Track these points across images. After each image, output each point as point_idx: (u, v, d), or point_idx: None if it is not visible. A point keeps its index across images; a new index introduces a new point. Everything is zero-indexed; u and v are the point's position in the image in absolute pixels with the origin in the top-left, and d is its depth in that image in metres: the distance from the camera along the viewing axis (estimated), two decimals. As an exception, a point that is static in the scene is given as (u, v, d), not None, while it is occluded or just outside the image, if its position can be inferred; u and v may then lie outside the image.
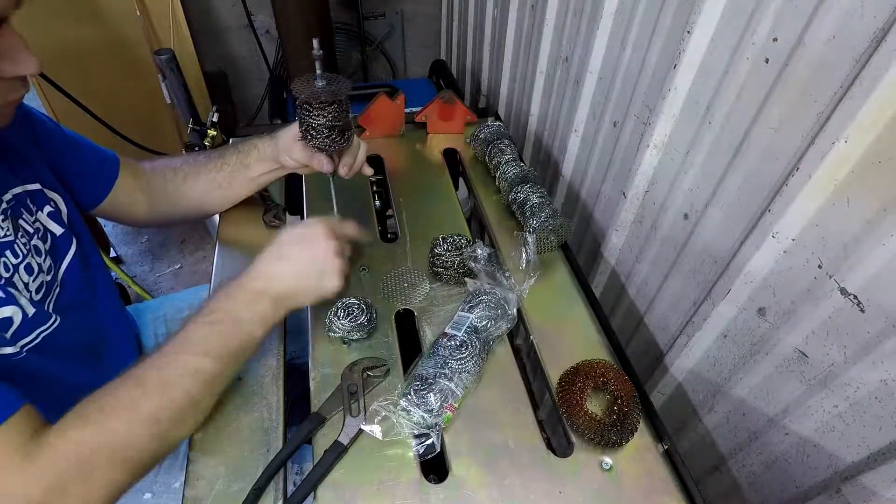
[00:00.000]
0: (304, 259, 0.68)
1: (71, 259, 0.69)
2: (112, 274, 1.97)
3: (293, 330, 0.79)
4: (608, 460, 0.64)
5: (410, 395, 0.66)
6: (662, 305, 0.89)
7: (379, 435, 0.64)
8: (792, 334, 0.63)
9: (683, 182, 0.78)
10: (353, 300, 0.75)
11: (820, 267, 0.57)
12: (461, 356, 0.69)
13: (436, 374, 0.67)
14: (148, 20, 1.94)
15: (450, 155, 1.15)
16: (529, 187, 0.93)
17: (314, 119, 0.73)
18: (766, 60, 0.60)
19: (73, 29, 1.86)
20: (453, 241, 0.83)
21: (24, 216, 0.63)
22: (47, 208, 0.67)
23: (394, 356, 0.74)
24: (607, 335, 0.79)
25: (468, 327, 0.72)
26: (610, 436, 0.64)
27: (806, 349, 0.61)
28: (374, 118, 1.16)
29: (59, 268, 0.67)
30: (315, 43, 0.69)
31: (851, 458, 0.58)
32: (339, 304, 0.75)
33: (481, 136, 1.08)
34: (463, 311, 0.76)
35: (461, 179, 1.16)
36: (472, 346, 0.70)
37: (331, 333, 0.74)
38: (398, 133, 1.19)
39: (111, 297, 0.80)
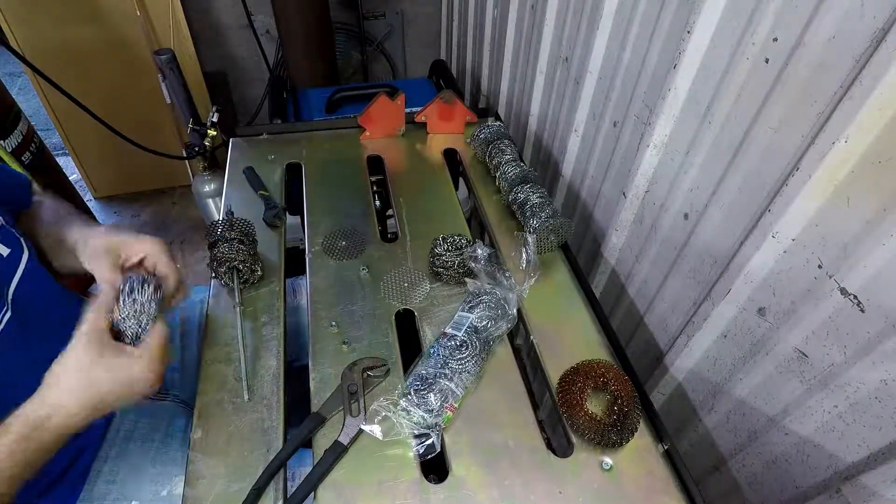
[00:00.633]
0: (115, 391, 0.55)
1: (20, 279, 0.64)
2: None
3: (292, 331, 0.79)
4: (608, 460, 0.64)
5: (410, 395, 0.66)
6: (662, 305, 0.89)
7: (379, 435, 0.64)
8: (792, 334, 0.63)
9: (683, 182, 0.78)
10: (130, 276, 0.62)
11: (820, 267, 0.57)
12: (461, 356, 0.69)
13: (436, 374, 0.67)
14: (148, 20, 1.94)
15: (450, 155, 1.15)
16: (529, 187, 0.93)
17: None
18: (766, 60, 0.60)
19: (73, 29, 1.86)
20: (453, 241, 0.83)
21: None
22: None
23: (394, 356, 0.74)
24: (607, 335, 0.79)
25: (468, 327, 0.72)
26: (610, 436, 0.64)
27: (806, 349, 0.61)
28: (374, 118, 1.16)
29: (8, 291, 0.63)
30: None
31: (851, 458, 0.58)
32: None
33: (481, 136, 1.08)
34: (463, 311, 0.76)
35: (461, 179, 1.16)
36: (472, 346, 0.70)
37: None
38: (398, 133, 1.19)
39: (69, 314, 0.68)
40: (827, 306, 0.57)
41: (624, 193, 0.92)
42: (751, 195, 0.65)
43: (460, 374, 0.67)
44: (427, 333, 0.77)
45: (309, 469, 0.61)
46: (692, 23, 0.68)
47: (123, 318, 0.59)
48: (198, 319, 0.95)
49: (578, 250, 1.16)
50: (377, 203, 1.16)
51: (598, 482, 0.62)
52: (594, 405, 0.69)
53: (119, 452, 0.75)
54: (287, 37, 2.04)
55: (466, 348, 0.70)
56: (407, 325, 0.80)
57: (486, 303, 0.75)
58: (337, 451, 0.62)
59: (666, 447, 0.65)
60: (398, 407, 0.66)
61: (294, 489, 0.59)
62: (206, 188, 1.76)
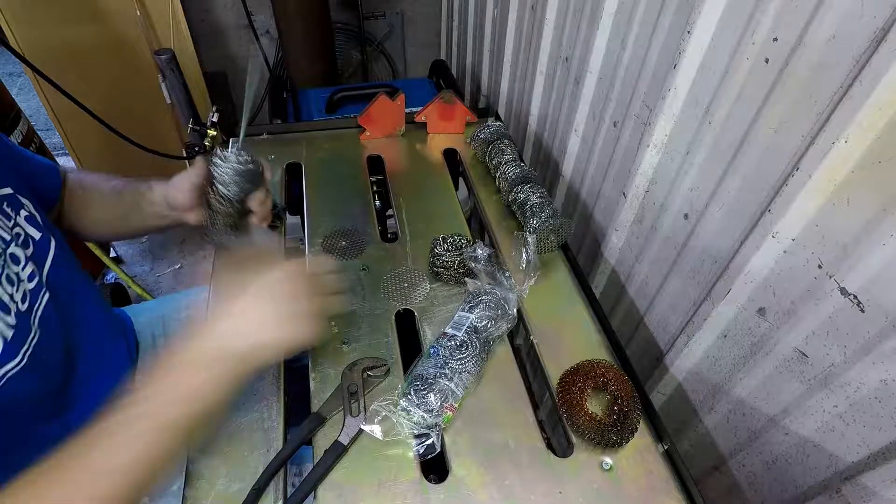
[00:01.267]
0: (263, 311, 0.56)
1: (52, 262, 0.67)
2: (112, 274, 1.97)
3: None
4: (608, 460, 0.64)
5: (410, 395, 0.66)
6: (662, 305, 0.89)
7: (379, 435, 0.64)
8: (792, 334, 0.63)
9: (683, 182, 0.78)
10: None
11: (820, 267, 0.57)
12: (461, 356, 0.69)
13: (436, 374, 0.67)
14: (148, 20, 1.94)
15: (450, 155, 1.15)
16: (529, 187, 0.93)
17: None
18: (766, 60, 0.60)
19: (73, 29, 1.86)
20: (453, 241, 0.83)
21: (2, 222, 0.61)
22: (23, 212, 0.65)
23: (394, 356, 0.74)
24: (607, 335, 0.79)
25: (468, 327, 0.72)
26: (610, 436, 0.64)
27: (806, 349, 0.61)
28: (374, 118, 1.16)
29: (43, 273, 0.65)
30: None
31: (851, 458, 0.58)
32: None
33: (481, 136, 1.08)
34: (463, 311, 0.76)
35: (461, 179, 1.16)
36: (472, 346, 0.70)
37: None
38: (398, 133, 1.19)
39: (92, 297, 0.78)
40: (827, 306, 0.57)
41: (624, 193, 0.92)
42: (751, 195, 0.65)
43: (460, 374, 0.67)
44: (427, 333, 0.77)
45: (309, 469, 0.61)
46: (692, 23, 0.68)
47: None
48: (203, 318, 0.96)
49: (578, 250, 1.16)
50: (377, 203, 1.16)
51: (598, 482, 0.62)
52: (594, 405, 0.69)
53: None
54: (287, 37, 2.04)
55: (466, 348, 0.70)
56: (407, 325, 0.80)
57: (486, 303, 0.75)
58: (337, 451, 0.62)
59: (666, 447, 0.65)
60: (398, 407, 0.66)
61: (294, 489, 0.59)
62: (206, 188, 1.75)
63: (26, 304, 0.60)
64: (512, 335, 0.79)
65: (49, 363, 0.63)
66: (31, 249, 0.64)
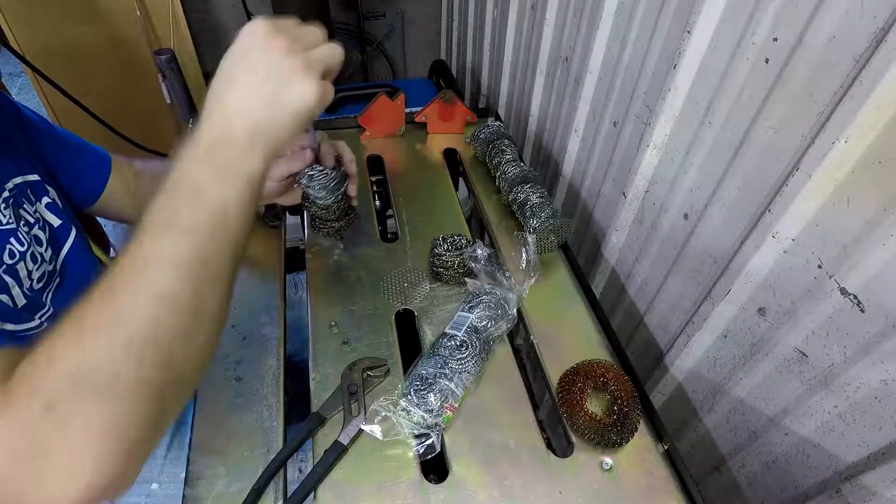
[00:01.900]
0: (256, 75, 0.48)
1: (69, 250, 0.69)
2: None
3: (293, 326, 0.79)
4: (608, 460, 0.64)
5: (410, 395, 0.66)
6: (662, 305, 0.89)
7: (379, 435, 0.64)
8: (792, 334, 0.63)
9: (683, 182, 0.78)
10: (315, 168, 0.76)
11: (820, 267, 0.57)
12: (461, 356, 0.69)
13: (436, 374, 0.67)
14: (148, 20, 1.94)
15: (450, 155, 1.15)
16: (529, 187, 0.93)
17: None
18: (766, 60, 0.60)
19: (73, 29, 1.86)
20: (453, 241, 0.83)
21: (25, 206, 0.63)
22: (45, 199, 0.67)
23: (394, 356, 0.74)
24: (607, 335, 0.79)
25: (468, 327, 0.72)
26: (610, 436, 0.64)
27: (806, 349, 0.61)
28: (374, 118, 1.16)
29: (59, 259, 0.68)
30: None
31: (851, 458, 0.58)
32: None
33: (481, 136, 1.08)
34: (463, 311, 0.76)
35: (461, 179, 1.16)
36: (472, 346, 0.70)
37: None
38: (398, 133, 1.19)
39: None
40: (827, 306, 0.57)
41: (624, 193, 0.92)
42: (751, 195, 0.65)
43: (460, 374, 0.67)
44: (427, 333, 0.77)
45: (309, 469, 0.61)
46: (692, 23, 0.68)
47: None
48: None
49: (578, 250, 1.16)
50: (377, 203, 1.16)
51: (598, 482, 0.62)
52: (594, 405, 0.69)
53: None
54: (287, 37, 2.04)
55: (466, 348, 0.70)
56: (407, 325, 0.80)
57: (486, 303, 0.75)
58: (337, 451, 0.62)
59: (666, 447, 0.65)
60: (398, 407, 0.66)
61: (294, 489, 0.59)
62: (206, 188, 1.75)
63: (41, 284, 0.62)
64: (512, 335, 0.79)
65: None
66: (48, 234, 0.66)
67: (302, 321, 0.80)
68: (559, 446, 0.68)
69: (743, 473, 0.75)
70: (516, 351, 0.77)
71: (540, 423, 0.68)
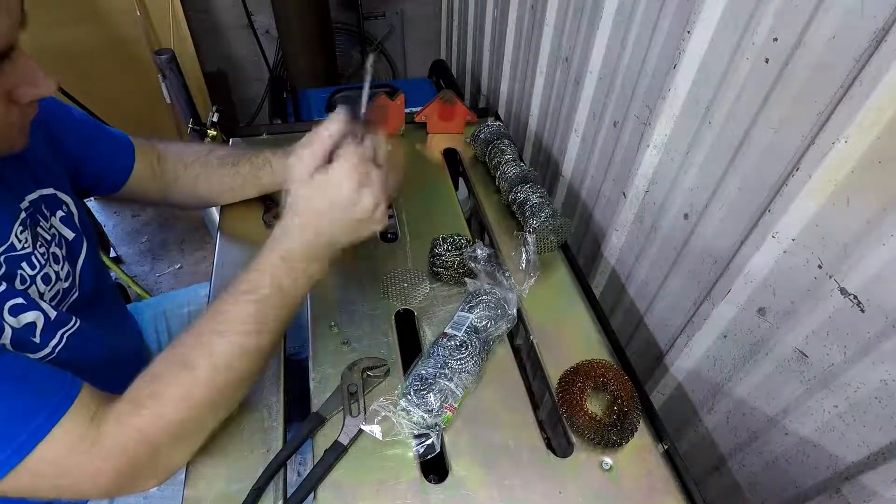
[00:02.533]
0: (338, 207, 0.60)
1: (83, 262, 0.69)
2: (111, 274, 1.97)
3: (294, 323, 0.79)
4: (608, 460, 0.64)
5: (410, 395, 0.66)
6: (662, 305, 0.89)
7: (379, 435, 0.64)
8: (792, 334, 0.63)
9: (683, 182, 0.78)
10: None
11: (820, 267, 0.57)
12: (461, 356, 0.69)
13: (436, 374, 0.67)
14: (148, 20, 1.94)
15: (450, 155, 1.15)
16: (529, 187, 0.93)
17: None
18: (766, 60, 0.60)
19: (73, 29, 1.86)
20: (453, 241, 0.83)
21: (41, 223, 0.63)
22: (59, 213, 0.67)
23: (394, 356, 0.74)
24: (607, 335, 0.79)
25: (468, 327, 0.72)
26: (610, 436, 0.64)
27: (806, 349, 0.61)
28: (374, 118, 1.16)
29: (76, 272, 0.67)
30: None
31: (851, 458, 0.58)
32: None
33: (481, 136, 1.08)
34: (463, 311, 0.76)
35: (461, 179, 1.16)
36: (472, 346, 0.70)
37: None
38: (398, 133, 1.19)
39: (115, 297, 0.81)
40: (827, 306, 0.57)
41: (624, 193, 0.92)
42: (751, 195, 0.65)
43: (460, 374, 0.67)
44: (427, 333, 0.77)
45: (309, 469, 0.61)
46: (692, 23, 0.68)
47: None
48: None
49: (578, 250, 1.16)
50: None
51: (598, 482, 0.62)
52: (594, 405, 0.69)
53: None
54: (287, 37, 2.04)
55: (466, 348, 0.70)
56: (407, 325, 0.80)
57: (485, 303, 0.75)
58: (337, 451, 0.62)
59: (666, 447, 0.65)
60: (398, 407, 0.66)
61: (294, 489, 0.59)
62: (206, 188, 1.75)
63: (55, 301, 0.62)
64: (512, 335, 0.79)
65: (87, 353, 0.65)
66: (64, 249, 0.66)
67: (302, 321, 0.80)
68: (559, 446, 0.68)
69: (743, 473, 0.75)
70: (516, 351, 0.77)
71: (540, 423, 0.68)
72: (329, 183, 0.59)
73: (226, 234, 0.92)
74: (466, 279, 0.79)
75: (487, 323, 0.73)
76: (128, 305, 0.98)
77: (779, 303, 0.64)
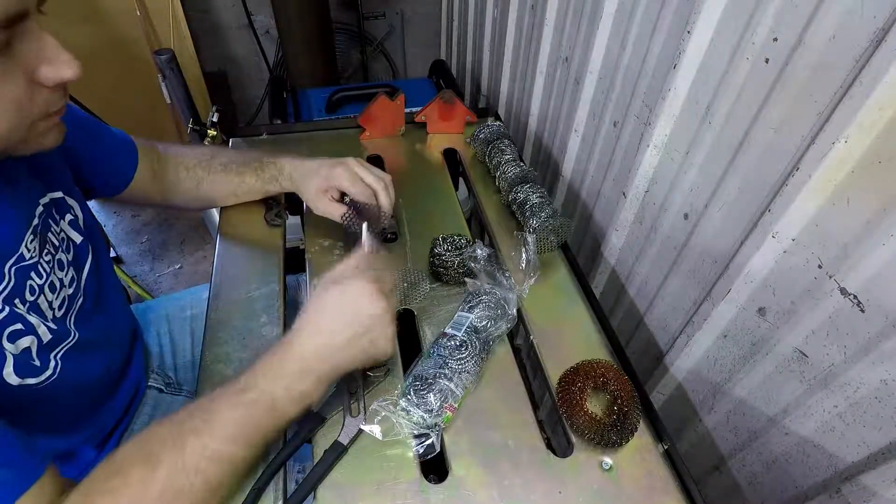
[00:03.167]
0: (353, 329, 0.60)
1: (89, 266, 0.68)
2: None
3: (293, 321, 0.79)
4: (608, 460, 0.64)
5: (410, 395, 0.66)
6: (662, 305, 0.89)
7: (379, 435, 0.64)
8: (792, 334, 0.63)
9: (683, 182, 0.78)
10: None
11: (820, 267, 0.57)
12: (461, 356, 0.69)
13: (436, 374, 0.67)
14: (148, 20, 1.94)
15: (450, 155, 1.15)
16: (529, 187, 0.93)
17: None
18: (766, 60, 0.60)
19: (73, 29, 1.86)
20: (453, 241, 0.83)
21: (51, 228, 0.62)
22: (68, 216, 0.66)
23: (394, 356, 0.74)
24: (607, 335, 0.79)
25: (468, 327, 0.72)
26: (610, 436, 0.64)
27: (806, 349, 0.61)
28: (374, 118, 1.16)
29: (82, 278, 0.66)
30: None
31: (851, 458, 0.58)
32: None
33: (481, 136, 1.08)
34: (463, 311, 0.76)
35: (461, 179, 1.16)
36: (472, 346, 0.70)
37: None
38: (398, 133, 1.19)
39: (119, 296, 0.81)
40: (827, 306, 0.57)
41: (624, 193, 0.92)
42: (751, 195, 0.65)
43: (460, 374, 0.67)
44: (427, 333, 0.77)
45: (309, 469, 0.61)
46: (692, 23, 0.68)
47: None
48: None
49: (578, 250, 1.16)
50: (377, 203, 1.15)
51: (598, 482, 0.62)
52: (594, 405, 0.69)
53: None
54: (287, 37, 2.04)
55: (466, 348, 0.70)
56: (407, 325, 0.80)
57: (485, 303, 0.75)
58: (337, 451, 0.62)
59: (666, 447, 0.65)
60: (398, 407, 0.66)
61: (294, 489, 0.59)
62: (206, 188, 1.75)
63: (62, 310, 0.61)
64: (512, 335, 0.79)
65: (86, 364, 0.64)
66: (71, 254, 0.65)
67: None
68: (559, 446, 0.68)
69: (743, 473, 0.75)
70: (516, 351, 0.77)
71: (540, 423, 0.68)
72: (355, 317, 0.61)
73: (226, 235, 0.92)
74: (466, 279, 0.79)
75: (487, 323, 0.73)
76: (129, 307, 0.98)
77: (779, 303, 0.64)
